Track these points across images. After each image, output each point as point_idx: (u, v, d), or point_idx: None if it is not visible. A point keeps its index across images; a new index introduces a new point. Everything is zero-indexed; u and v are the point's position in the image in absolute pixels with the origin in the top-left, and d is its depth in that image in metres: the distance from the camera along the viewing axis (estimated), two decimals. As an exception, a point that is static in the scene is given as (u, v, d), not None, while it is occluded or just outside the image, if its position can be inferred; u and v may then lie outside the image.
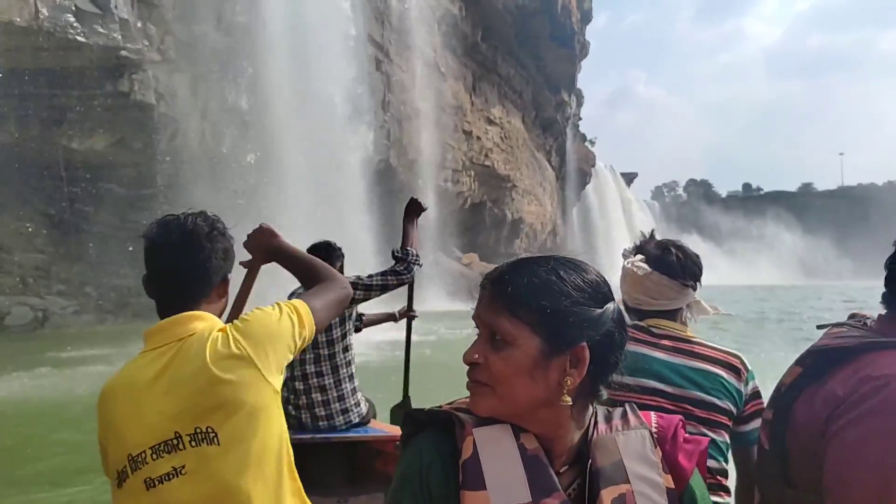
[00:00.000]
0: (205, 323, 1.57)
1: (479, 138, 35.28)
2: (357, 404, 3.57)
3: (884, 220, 77.57)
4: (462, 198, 34.09)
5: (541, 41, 38.39)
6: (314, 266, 1.86)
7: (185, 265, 1.59)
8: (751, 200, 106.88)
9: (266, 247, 1.92)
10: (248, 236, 1.92)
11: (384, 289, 3.35)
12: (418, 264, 3.37)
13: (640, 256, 1.97)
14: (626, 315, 1.13)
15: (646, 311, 1.97)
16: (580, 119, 62.96)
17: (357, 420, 3.56)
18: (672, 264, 1.93)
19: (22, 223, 14.66)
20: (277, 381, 1.56)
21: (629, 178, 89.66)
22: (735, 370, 1.85)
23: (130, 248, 15.25)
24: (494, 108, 37.02)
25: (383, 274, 3.36)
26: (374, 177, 21.74)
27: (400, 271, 3.34)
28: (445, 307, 23.58)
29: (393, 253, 3.38)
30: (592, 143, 73.43)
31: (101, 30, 13.71)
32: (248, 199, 14.05)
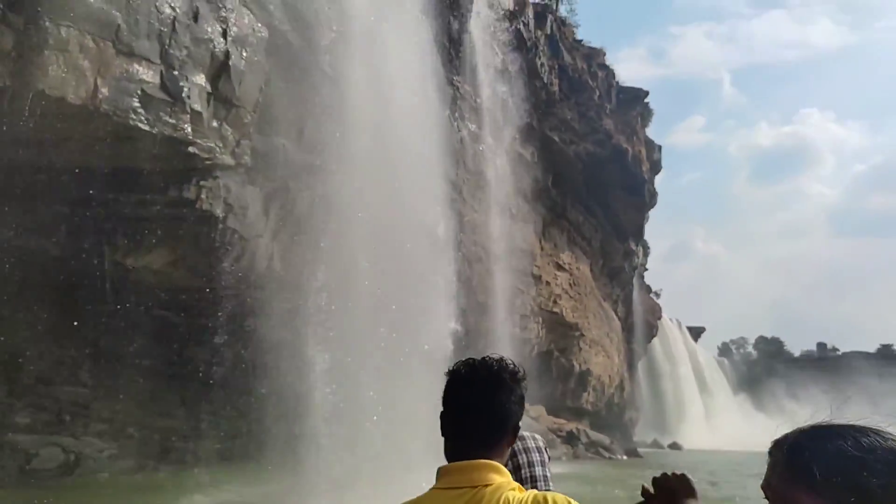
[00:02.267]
0: (501, 478, 1.68)
1: (548, 283, 34.00)
2: None
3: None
4: (529, 345, 32.20)
5: (610, 189, 38.07)
6: None
7: (488, 404, 1.73)
8: (827, 361, 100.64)
9: (677, 499, 1.76)
10: (671, 477, 1.80)
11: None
12: None
13: None
14: None
15: None
16: (646, 269, 61.58)
17: None
18: None
19: (65, 351, 12.98)
20: None
21: (696, 332, 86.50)
22: None
23: (184, 388, 13.79)
24: (564, 253, 36.05)
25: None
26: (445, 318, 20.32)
27: None
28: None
29: None
30: (658, 294, 71.48)
31: (170, 119, 11.85)
32: (317, 327, 12.40)
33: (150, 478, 13.33)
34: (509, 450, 1.79)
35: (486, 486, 1.64)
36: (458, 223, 23.96)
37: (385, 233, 13.77)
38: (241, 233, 13.46)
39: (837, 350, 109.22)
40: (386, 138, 13.72)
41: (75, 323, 12.38)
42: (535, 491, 1.69)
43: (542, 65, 28.68)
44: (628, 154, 37.26)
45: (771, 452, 1.09)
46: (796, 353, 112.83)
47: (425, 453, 13.86)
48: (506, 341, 26.68)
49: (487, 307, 25.98)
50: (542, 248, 33.49)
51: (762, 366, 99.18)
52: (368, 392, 11.67)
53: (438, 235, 19.13)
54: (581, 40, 35.12)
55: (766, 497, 1.01)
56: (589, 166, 34.73)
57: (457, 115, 23.18)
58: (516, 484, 1.69)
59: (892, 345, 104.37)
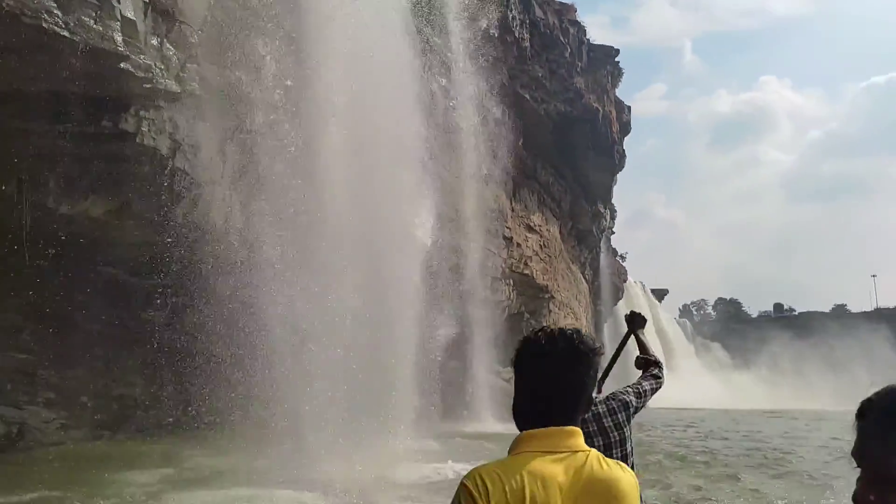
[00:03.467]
0: (583, 441, 1.78)
1: (519, 245, 33.52)
2: None
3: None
4: (501, 307, 31.81)
5: (580, 150, 37.48)
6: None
7: (569, 376, 1.77)
8: (782, 321, 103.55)
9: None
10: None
11: (653, 394, 3.59)
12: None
13: None
14: None
15: None
16: (613, 233, 61.75)
17: None
18: None
19: (6, 315, 11.40)
20: None
21: (659, 294, 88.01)
22: None
23: (142, 353, 12.71)
24: (534, 214, 35.55)
25: (650, 380, 3.64)
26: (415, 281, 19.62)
27: (658, 375, 3.66)
28: (495, 428, 20.91)
29: (639, 360, 3.81)
30: (623, 258, 72.13)
31: (95, 25, 9.68)
32: (282, 284, 11.28)
33: (104, 448, 12.40)
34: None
35: (581, 451, 1.73)
36: (430, 181, 23.14)
37: (358, 189, 12.80)
38: (193, 176, 11.76)
39: (794, 310, 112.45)
40: (359, 84, 12.47)
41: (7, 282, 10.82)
42: (621, 462, 1.82)
43: (513, 18, 27.65)
44: (599, 114, 36.68)
45: (862, 416, 1.09)
46: (754, 314, 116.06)
47: (403, 419, 13.36)
48: (478, 303, 26.23)
49: (459, 268, 25.38)
50: (512, 210, 32.90)
51: (722, 326, 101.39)
52: (337, 350, 10.88)
53: (411, 194, 18.24)
54: (552, -5, 34.03)
55: (860, 465, 1.02)
56: (559, 126, 34.04)
57: (426, 67, 22.12)
58: (593, 450, 1.79)
59: (845, 304, 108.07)
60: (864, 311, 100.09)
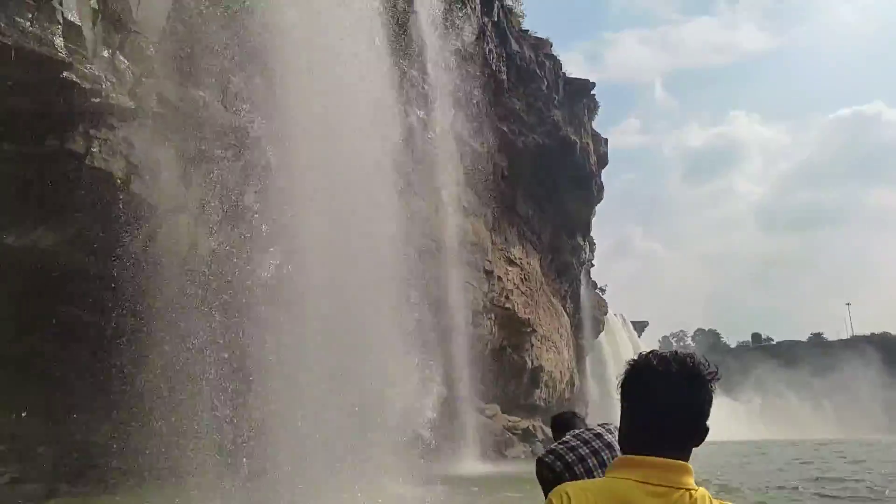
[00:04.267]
0: (693, 483, 1.59)
1: (500, 278, 33.10)
2: None
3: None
4: (483, 342, 31.19)
5: (559, 182, 37.50)
6: None
7: (688, 403, 1.61)
8: (761, 351, 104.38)
9: None
10: None
11: None
12: None
13: None
14: None
15: None
16: (592, 265, 61.77)
17: None
18: None
19: None
20: None
21: (640, 326, 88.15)
22: None
23: (110, 396, 11.77)
24: (515, 247, 35.26)
25: None
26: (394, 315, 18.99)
27: None
28: (478, 469, 20.11)
29: None
30: (603, 290, 72.13)
31: (31, 28, 8.53)
32: (257, 324, 10.45)
33: (62, 504, 11.42)
34: None
35: (692, 490, 1.57)
36: (408, 214, 22.70)
37: (332, 215, 12.22)
38: (153, 203, 10.60)
39: (772, 339, 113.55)
40: (331, 110, 11.92)
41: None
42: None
43: (490, 51, 27.73)
44: (577, 147, 36.81)
45: None
46: (733, 345, 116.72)
47: (384, 462, 12.60)
48: (461, 338, 25.64)
49: (440, 302, 24.81)
50: (493, 243, 32.57)
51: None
52: (314, 390, 10.12)
53: (389, 229, 17.70)
54: (527, 30, 34.39)
55: None
56: (538, 158, 34.03)
57: (404, 98, 21.90)
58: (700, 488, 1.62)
59: (822, 333, 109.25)
60: (842, 339, 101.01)
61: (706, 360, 1.69)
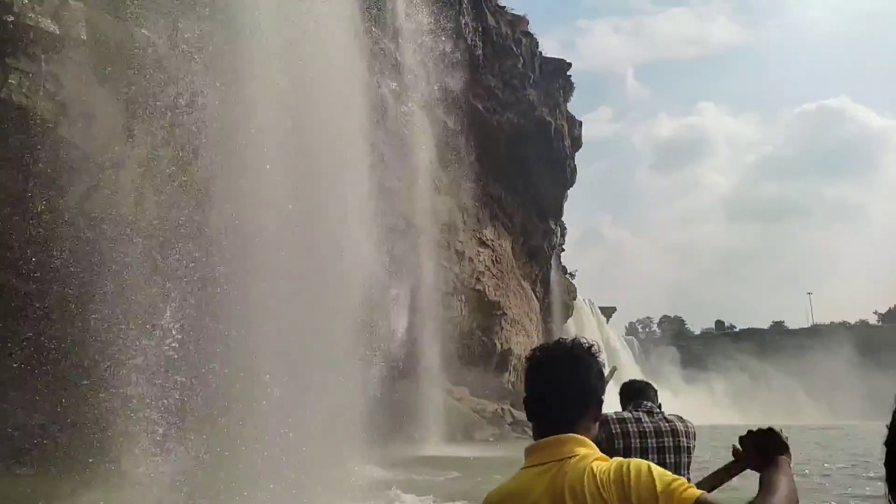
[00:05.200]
0: (585, 449, 1.72)
1: (471, 260, 32.58)
2: None
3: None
4: (453, 324, 30.66)
5: (532, 164, 36.93)
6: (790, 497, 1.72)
7: (568, 381, 1.78)
8: (725, 338, 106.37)
9: (772, 457, 1.83)
10: (758, 434, 1.90)
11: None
12: None
13: None
14: None
15: None
16: (563, 250, 61.66)
17: None
18: None
19: None
20: None
21: (608, 312, 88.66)
22: None
23: (45, 374, 10.82)
24: (486, 229, 34.71)
25: None
26: (363, 292, 18.26)
27: None
28: (445, 450, 19.64)
29: None
30: (573, 275, 72.21)
31: None
32: (202, 302, 9.44)
33: (-1, 487, 10.51)
34: (596, 424, 1.82)
35: (571, 458, 1.69)
36: (378, 190, 21.91)
37: (295, 182, 11.33)
38: (86, 151, 9.03)
39: (734, 327, 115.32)
40: (294, 72, 10.93)
41: None
42: (619, 458, 1.69)
43: (465, 24, 26.90)
44: (552, 127, 36.28)
45: None
46: (697, 332, 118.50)
47: (349, 444, 11.99)
48: (431, 319, 25.05)
49: (414, 281, 24.17)
50: (464, 223, 31.97)
51: (666, 343, 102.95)
52: (264, 376, 9.30)
53: (356, 195, 16.85)
54: (504, 6, 33.59)
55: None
56: (512, 138, 33.42)
57: (376, 69, 21.01)
58: (602, 454, 1.72)
59: (783, 322, 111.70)
60: (803, 328, 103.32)
61: (588, 340, 1.87)
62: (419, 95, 24.54)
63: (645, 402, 3.44)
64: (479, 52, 28.81)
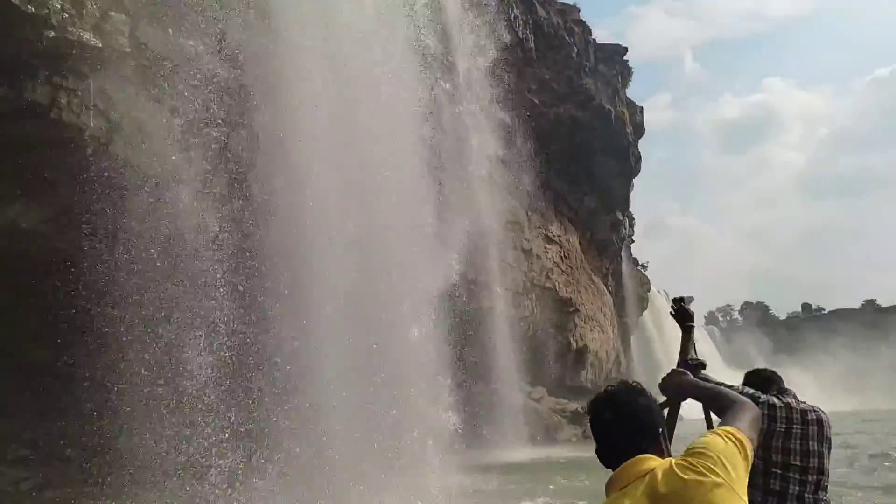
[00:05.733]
0: (657, 462, 1.89)
1: (538, 257, 31.88)
2: None
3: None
4: (525, 324, 30.06)
5: (594, 154, 35.91)
6: (719, 395, 2.31)
7: (633, 416, 1.99)
8: (813, 320, 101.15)
9: (678, 385, 2.57)
10: (663, 379, 2.63)
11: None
12: None
13: None
14: None
15: None
16: (633, 241, 59.86)
17: None
18: None
19: None
20: (744, 495, 1.79)
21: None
22: None
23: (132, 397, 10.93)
24: (552, 225, 33.92)
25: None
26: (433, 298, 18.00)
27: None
28: (528, 455, 19.09)
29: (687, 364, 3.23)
30: (645, 267, 70.15)
31: None
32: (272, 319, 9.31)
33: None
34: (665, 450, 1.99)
35: (652, 470, 1.85)
36: (439, 192, 21.64)
37: (356, 202, 11.13)
38: (143, 169, 8.79)
39: (823, 309, 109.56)
40: (345, 75, 10.72)
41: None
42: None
43: (515, 18, 26.37)
44: (612, 115, 35.17)
45: None
46: (782, 317, 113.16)
47: (423, 454, 11.68)
48: (503, 321, 24.57)
49: (478, 284, 23.76)
50: (529, 220, 31.32)
51: (750, 330, 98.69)
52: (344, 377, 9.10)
53: (416, 198, 16.56)
54: (553, -3, 32.82)
55: None
56: (571, 130, 32.58)
57: (427, 70, 20.75)
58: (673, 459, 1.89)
59: (875, 300, 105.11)
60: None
61: (634, 383, 2.15)
62: (473, 94, 24.17)
63: (788, 389, 3.42)
64: (531, 44, 28.20)
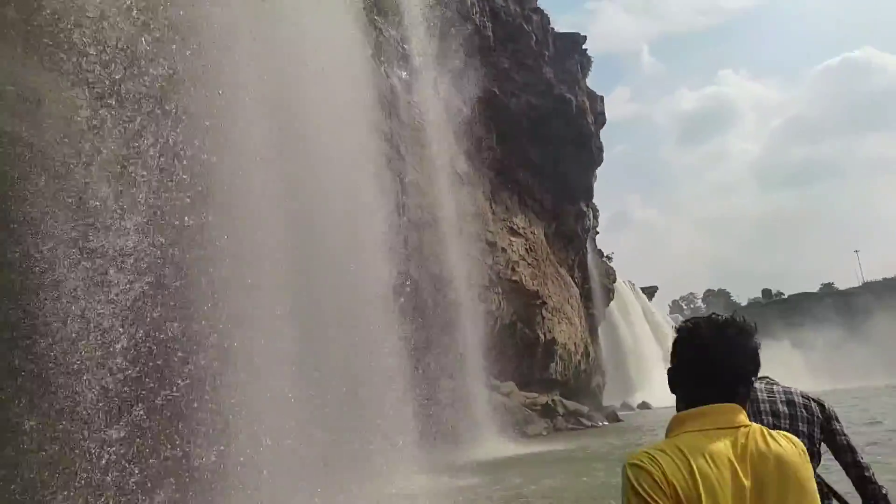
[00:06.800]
0: (746, 419, 1.80)
1: (504, 250, 31.41)
2: None
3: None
4: (492, 318, 29.55)
5: (556, 145, 35.58)
6: None
7: (742, 353, 1.85)
8: (774, 305, 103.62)
9: None
10: None
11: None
12: None
13: None
14: None
15: None
16: (597, 233, 59.99)
17: None
18: None
19: None
20: None
21: (649, 292, 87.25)
22: None
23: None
24: (517, 217, 33.52)
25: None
26: (393, 292, 17.28)
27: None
28: (501, 450, 18.56)
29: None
30: (610, 258, 70.63)
31: None
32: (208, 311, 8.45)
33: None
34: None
35: (744, 427, 1.77)
36: (398, 184, 20.95)
37: (303, 198, 10.38)
38: (33, 143, 7.39)
39: (782, 294, 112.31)
40: (288, 62, 9.91)
41: None
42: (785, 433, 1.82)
43: (472, 5, 25.78)
44: (573, 105, 34.86)
45: None
46: (744, 303, 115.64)
47: (389, 453, 11.05)
48: (468, 315, 23.98)
49: (443, 279, 23.11)
50: (493, 212, 30.84)
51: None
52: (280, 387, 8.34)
53: (373, 200, 15.84)
54: (510, -16, 32.31)
55: None
56: (533, 120, 32.16)
57: (382, 59, 20.04)
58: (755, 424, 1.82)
59: (832, 283, 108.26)
60: (853, 287, 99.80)
61: (744, 318, 1.93)
62: (430, 83, 23.51)
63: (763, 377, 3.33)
64: (489, 33, 27.67)
